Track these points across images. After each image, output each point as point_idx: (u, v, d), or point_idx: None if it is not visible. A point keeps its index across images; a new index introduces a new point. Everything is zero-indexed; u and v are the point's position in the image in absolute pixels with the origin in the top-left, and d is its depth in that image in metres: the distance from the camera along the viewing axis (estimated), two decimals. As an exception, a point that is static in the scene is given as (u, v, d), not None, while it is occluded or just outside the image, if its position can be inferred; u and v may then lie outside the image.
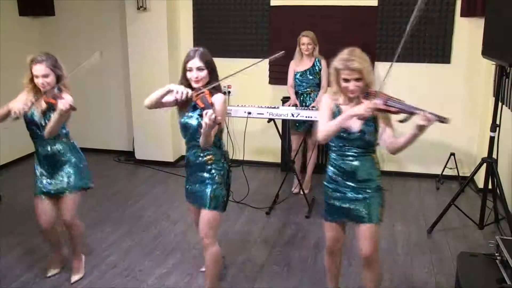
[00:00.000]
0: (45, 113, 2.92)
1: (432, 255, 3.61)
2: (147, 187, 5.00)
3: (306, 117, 4.21)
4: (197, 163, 2.71)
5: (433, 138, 5.15)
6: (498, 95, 3.72)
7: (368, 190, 2.54)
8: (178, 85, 2.59)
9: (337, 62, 2.42)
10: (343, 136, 2.47)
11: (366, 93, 2.42)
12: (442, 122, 2.24)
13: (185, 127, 2.69)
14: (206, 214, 2.72)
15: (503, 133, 3.83)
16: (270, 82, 5.43)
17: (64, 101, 2.73)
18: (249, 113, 4.28)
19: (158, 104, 2.67)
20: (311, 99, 4.56)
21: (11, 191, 4.83)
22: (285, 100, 5.00)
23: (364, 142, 2.48)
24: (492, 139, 3.75)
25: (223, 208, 2.77)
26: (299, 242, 3.83)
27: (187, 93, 2.52)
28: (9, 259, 3.54)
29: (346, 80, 2.40)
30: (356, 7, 5.03)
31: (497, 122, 3.71)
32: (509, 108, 4.10)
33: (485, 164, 3.81)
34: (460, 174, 5.01)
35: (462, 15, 4.80)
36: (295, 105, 4.52)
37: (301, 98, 4.61)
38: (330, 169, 2.61)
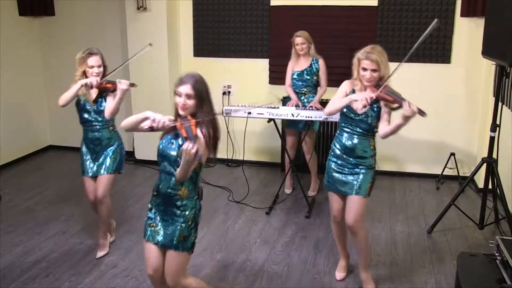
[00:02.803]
0: (96, 101, 3.39)
1: (432, 255, 3.61)
2: (147, 187, 5.00)
3: (306, 117, 4.21)
4: (167, 194, 2.43)
5: (433, 138, 5.15)
6: (498, 95, 3.72)
7: (361, 167, 2.97)
8: (156, 113, 2.33)
9: (360, 54, 2.86)
10: (350, 116, 2.93)
11: (377, 84, 2.83)
12: (421, 115, 2.65)
13: (162, 155, 2.43)
14: (174, 258, 2.47)
15: (503, 133, 3.83)
16: (270, 82, 5.43)
17: (124, 81, 3.25)
18: (249, 113, 4.27)
19: (135, 128, 2.42)
20: (306, 99, 4.52)
21: (11, 191, 4.84)
22: (285, 100, 5.00)
23: (366, 124, 2.92)
24: (492, 139, 3.75)
25: (191, 248, 2.50)
26: (299, 242, 3.83)
27: (164, 122, 2.28)
28: (9, 259, 3.54)
29: (364, 69, 2.83)
30: (356, 7, 5.02)
31: (497, 122, 3.70)
32: (509, 108, 4.10)
33: (485, 164, 3.81)
34: (460, 174, 5.01)
35: (462, 15, 4.80)
36: (297, 105, 4.51)
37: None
38: (335, 145, 3.04)
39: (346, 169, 2.99)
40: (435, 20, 2.65)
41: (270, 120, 4.34)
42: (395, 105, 2.80)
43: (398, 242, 3.82)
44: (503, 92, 3.86)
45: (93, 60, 3.29)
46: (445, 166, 5.05)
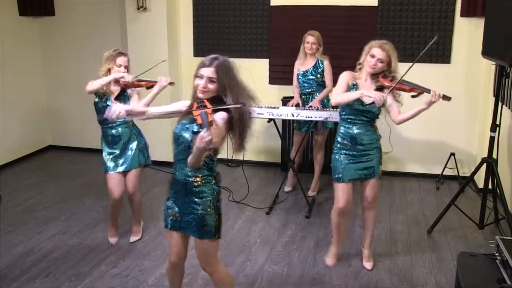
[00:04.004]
0: (119, 98, 3.49)
1: (432, 255, 3.61)
2: (147, 187, 5.00)
3: (306, 117, 4.21)
4: (183, 182, 2.37)
5: (433, 138, 5.15)
6: (498, 95, 3.72)
7: (370, 152, 3.14)
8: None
9: (374, 42, 3.04)
10: (357, 107, 3.05)
11: (385, 75, 3.01)
12: (446, 100, 2.94)
13: (177, 139, 2.34)
14: (199, 244, 2.46)
15: (503, 133, 3.83)
16: (270, 82, 5.43)
17: (164, 78, 3.49)
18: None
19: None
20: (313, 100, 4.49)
21: (11, 191, 4.84)
22: (285, 100, 4.99)
23: (370, 113, 3.07)
24: (492, 139, 3.75)
25: (215, 234, 2.42)
26: (299, 242, 3.83)
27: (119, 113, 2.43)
28: (9, 259, 3.54)
29: (372, 56, 2.99)
30: (356, 7, 5.03)
31: (497, 122, 3.71)
32: (509, 108, 4.10)
33: (485, 164, 3.81)
34: (460, 174, 5.01)
35: (462, 15, 4.80)
36: (297, 105, 4.51)
37: (303, 99, 4.57)
38: (340, 137, 3.17)
39: (358, 158, 3.14)
40: (435, 37, 3.04)
41: (270, 120, 4.34)
42: (413, 93, 3.00)
43: (398, 242, 3.82)
44: (503, 92, 3.86)
45: (122, 60, 3.46)
46: (445, 166, 5.05)
